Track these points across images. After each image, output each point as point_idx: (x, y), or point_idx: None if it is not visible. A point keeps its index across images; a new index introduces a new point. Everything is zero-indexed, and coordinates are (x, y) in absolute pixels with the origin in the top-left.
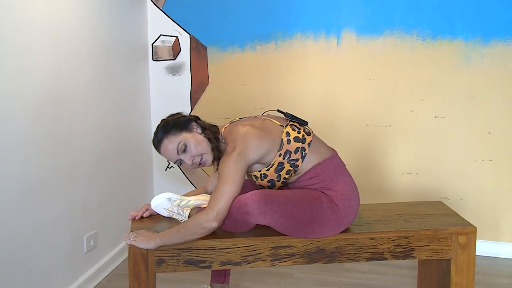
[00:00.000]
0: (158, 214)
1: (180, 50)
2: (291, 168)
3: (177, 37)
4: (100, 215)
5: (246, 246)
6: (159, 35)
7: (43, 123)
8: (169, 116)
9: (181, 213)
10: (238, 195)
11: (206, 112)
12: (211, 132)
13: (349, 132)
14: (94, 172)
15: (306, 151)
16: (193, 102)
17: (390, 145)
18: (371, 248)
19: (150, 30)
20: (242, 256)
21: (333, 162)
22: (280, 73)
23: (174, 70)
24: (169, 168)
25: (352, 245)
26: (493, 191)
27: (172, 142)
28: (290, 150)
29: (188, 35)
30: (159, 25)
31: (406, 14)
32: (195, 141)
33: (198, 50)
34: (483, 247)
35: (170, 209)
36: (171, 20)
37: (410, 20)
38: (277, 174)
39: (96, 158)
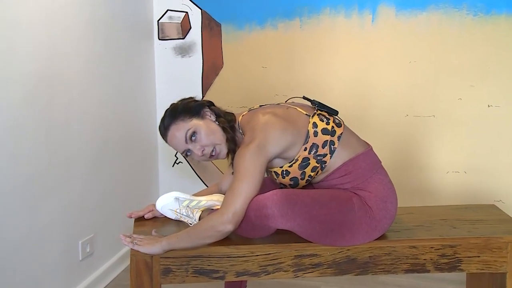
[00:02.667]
0: (164, 216)
1: (190, 28)
2: (318, 165)
3: (186, 12)
4: (98, 217)
5: (265, 254)
6: (166, 10)
7: (34, 111)
8: (179, 100)
9: (191, 215)
10: (257, 194)
11: (220, 99)
12: (227, 121)
13: (385, 124)
14: (91, 168)
15: (336, 145)
16: (205, 87)
17: (433, 139)
18: (411, 259)
19: (155, 5)
20: (260, 266)
21: (366, 158)
22: (306, 54)
23: (183, 51)
24: (177, 163)
25: (389, 254)
26: None
27: (180, 129)
28: (317, 143)
29: (200, 11)
30: None
31: None
32: (207, 129)
33: (211, 28)
34: None
35: (178, 210)
36: None
37: None
38: (301, 171)
39: (94, 152)
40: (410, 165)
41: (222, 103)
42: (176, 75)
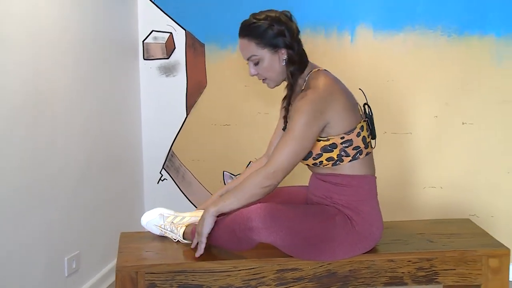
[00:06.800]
0: (149, 231)
1: (175, 48)
2: (336, 159)
3: (171, 33)
4: (84, 234)
5: (248, 269)
6: (150, 31)
7: (19, 127)
8: (267, 14)
9: (175, 231)
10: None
11: (204, 117)
12: (297, 66)
13: None
14: (77, 185)
15: (361, 157)
16: (189, 106)
17: (410, 155)
18: (389, 272)
19: (140, 25)
20: (243, 280)
21: (371, 184)
22: None
23: (168, 70)
24: (162, 180)
25: (368, 268)
26: None
27: (248, 48)
28: (353, 142)
29: (184, 31)
30: (150, 20)
31: (429, 7)
32: (269, 65)
33: (195, 48)
34: None
35: (162, 226)
36: (164, 14)
37: (434, 13)
38: (320, 152)
39: (79, 169)
40: (387, 181)
41: (206, 121)
42: (161, 93)
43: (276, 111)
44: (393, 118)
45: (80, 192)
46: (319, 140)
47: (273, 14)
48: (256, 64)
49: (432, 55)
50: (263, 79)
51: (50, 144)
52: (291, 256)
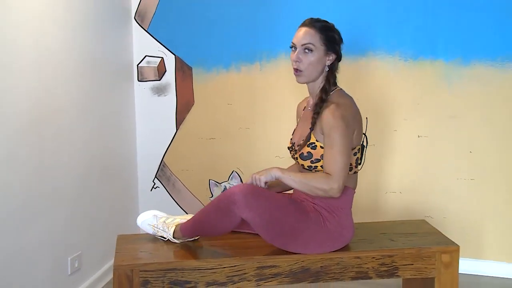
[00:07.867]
0: (144, 231)
1: (166, 71)
2: None
3: (162, 58)
4: (85, 237)
5: (231, 266)
6: (144, 56)
7: (26, 143)
8: (334, 28)
9: (166, 230)
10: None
11: (192, 132)
12: (332, 80)
13: None
14: (79, 193)
15: (350, 173)
16: (179, 122)
17: (373, 164)
18: (356, 267)
19: (135, 51)
20: (227, 276)
21: (350, 195)
22: (266, 93)
23: (160, 91)
24: (155, 188)
25: (337, 264)
26: (475, 209)
27: (311, 37)
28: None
29: (174, 56)
30: (144, 46)
31: (388, 35)
32: (315, 61)
33: (183, 70)
34: (467, 265)
35: (155, 225)
36: (156, 41)
37: (392, 41)
38: (318, 158)
39: (81, 179)
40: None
41: (194, 135)
42: (153, 111)
43: (255, 127)
44: None
45: (81, 199)
46: (322, 147)
47: (336, 28)
48: (306, 52)
49: (392, 77)
50: (298, 70)
51: (55, 156)
52: (269, 254)
